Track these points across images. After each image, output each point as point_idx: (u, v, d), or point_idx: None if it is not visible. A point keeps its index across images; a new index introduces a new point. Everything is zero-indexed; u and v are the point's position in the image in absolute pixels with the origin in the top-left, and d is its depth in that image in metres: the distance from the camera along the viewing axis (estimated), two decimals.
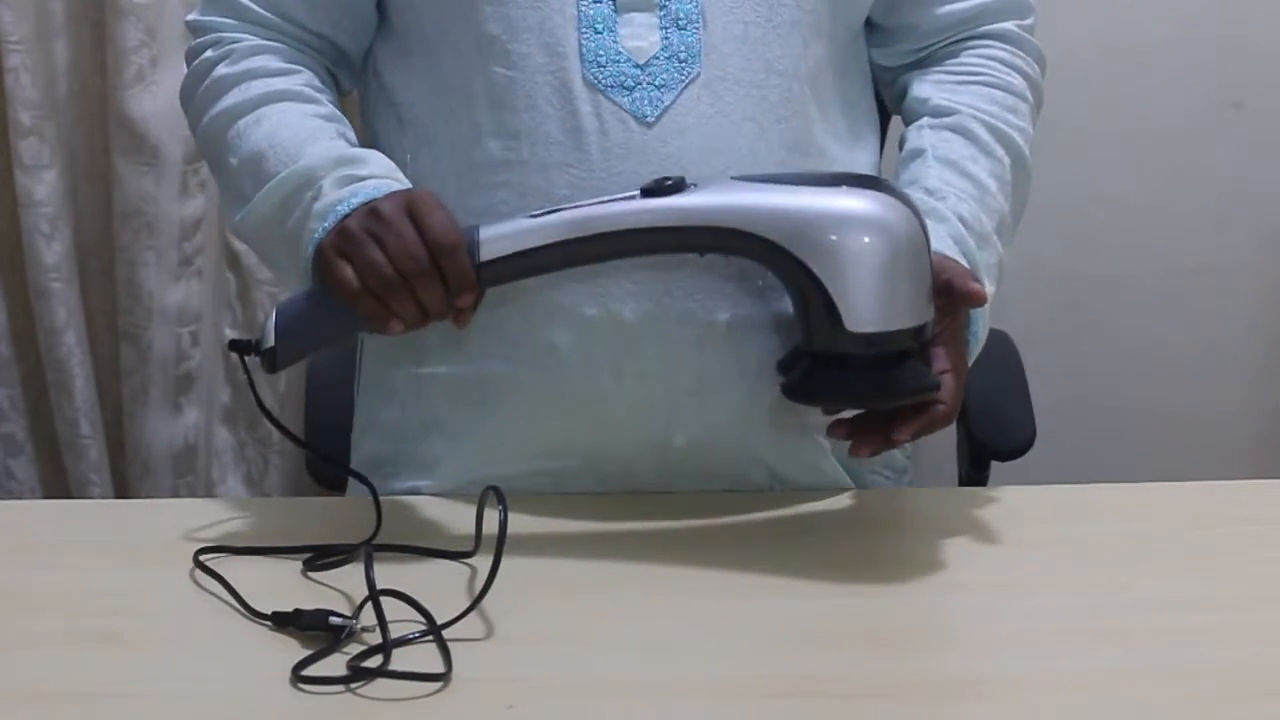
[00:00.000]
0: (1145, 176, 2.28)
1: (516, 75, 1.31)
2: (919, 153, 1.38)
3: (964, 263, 1.30)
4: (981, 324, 1.32)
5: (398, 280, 1.20)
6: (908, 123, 1.43)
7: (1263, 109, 2.27)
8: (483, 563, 1.16)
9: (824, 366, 1.22)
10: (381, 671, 1.05)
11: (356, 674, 1.05)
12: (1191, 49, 2.25)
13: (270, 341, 1.23)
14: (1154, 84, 2.26)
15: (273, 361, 1.24)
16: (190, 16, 1.43)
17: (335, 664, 1.07)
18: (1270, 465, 2.32)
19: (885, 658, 1.11)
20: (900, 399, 1.23)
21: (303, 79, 1.38)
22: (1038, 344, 1.97)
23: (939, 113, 1.40)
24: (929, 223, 1.27)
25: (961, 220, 1.32)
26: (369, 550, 1.19)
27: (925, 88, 1.42)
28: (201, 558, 1.22)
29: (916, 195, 1.32)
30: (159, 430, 2.21)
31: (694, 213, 1.22)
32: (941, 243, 1.29)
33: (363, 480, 1.31)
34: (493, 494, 1.18)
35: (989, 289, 1.31)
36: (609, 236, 1.22)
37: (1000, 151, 1.38)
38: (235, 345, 1.26)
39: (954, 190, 1.34)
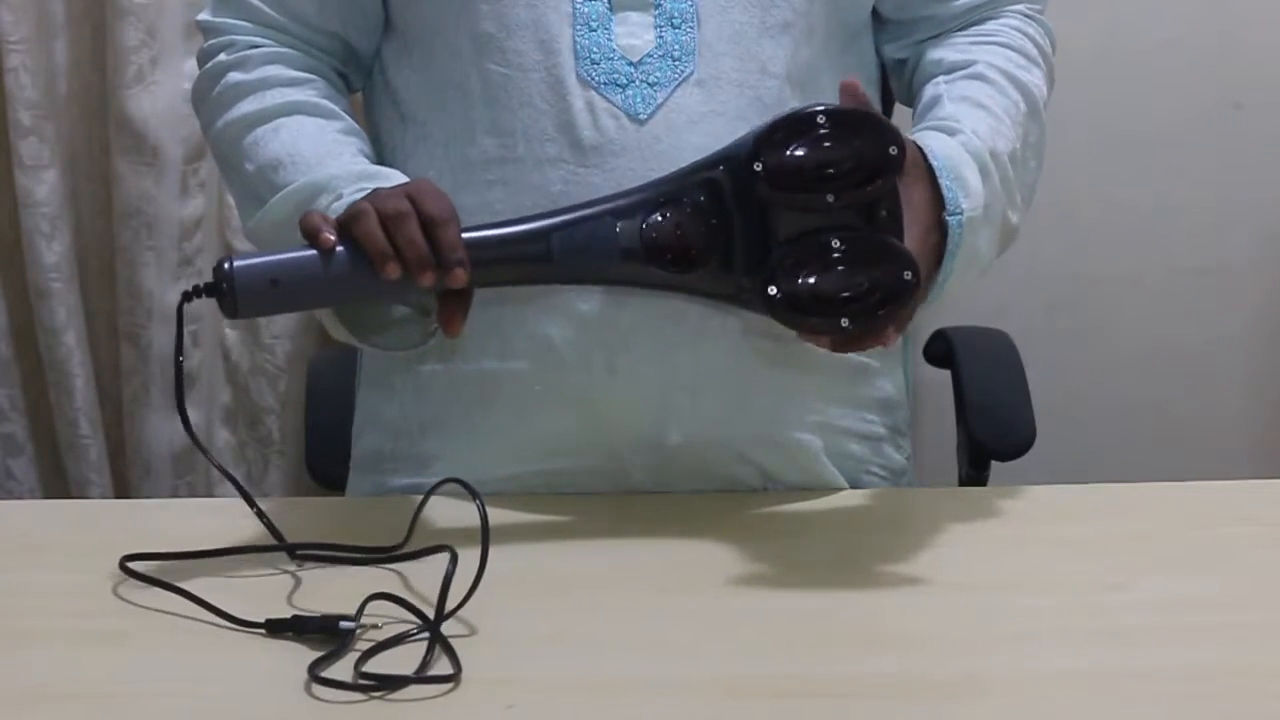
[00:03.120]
0: (1145, 176, 2.28)
1: (511, 72, 1.32)
2: (935, 99, 1.37)
3: (963, 153, 1.28)
4: (960, 215, 1.26)
5: (373, 212, 1.18)
6: (922, 86, 1.42)
7: (1263, 109, 2.27)
8: (474, 562, 1.15)
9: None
10: (405, 679, 1.04)
11: (381, 681, 1.04)
12: (1191, 49, 2.25)
13: (230, 283, 1.16)
14: (1154, 84, 2.26)
15: (234, 305, 1.17)
16: (201, 16, 1.43)
17: (341, 666, 1.07)
18: (1270, 465, 2.32)
19: (885, 658, 1.11)
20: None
21: (316, 90, 1.38)
22: (1038, 344, 1.97)
23: (955, 68, 1.40)
24: (941, 135, 1.27)
25: (975, 133, 1.31)
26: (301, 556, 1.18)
27: (940, 51, 1.42)
28: (130, 564, 1.20)
29: (931, 125, 1.32)
30: (159, 430, 2.22)
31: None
32: (954, 150, 1.27)
33: (242, 489, 1.25)
34: (486, 494, 1.18)
35: (990, 199, 1.28)
36: (582, 219, 1.22)
37: (1015, 94, 1.37)
38: (191, 293, 1.18)
39: (968, 116, 1.33)
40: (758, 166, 1.17)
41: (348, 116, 1.39)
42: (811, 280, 1.18)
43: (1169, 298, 2.32)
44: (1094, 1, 2.22)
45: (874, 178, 1.18)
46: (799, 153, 1.17)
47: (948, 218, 1.25)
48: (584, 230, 1.22)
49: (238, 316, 1.19)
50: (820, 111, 1.18)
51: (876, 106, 1.47)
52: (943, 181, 1.25)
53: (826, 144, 1.17)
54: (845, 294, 1.18)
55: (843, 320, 1.18)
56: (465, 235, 1.20)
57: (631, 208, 1.22)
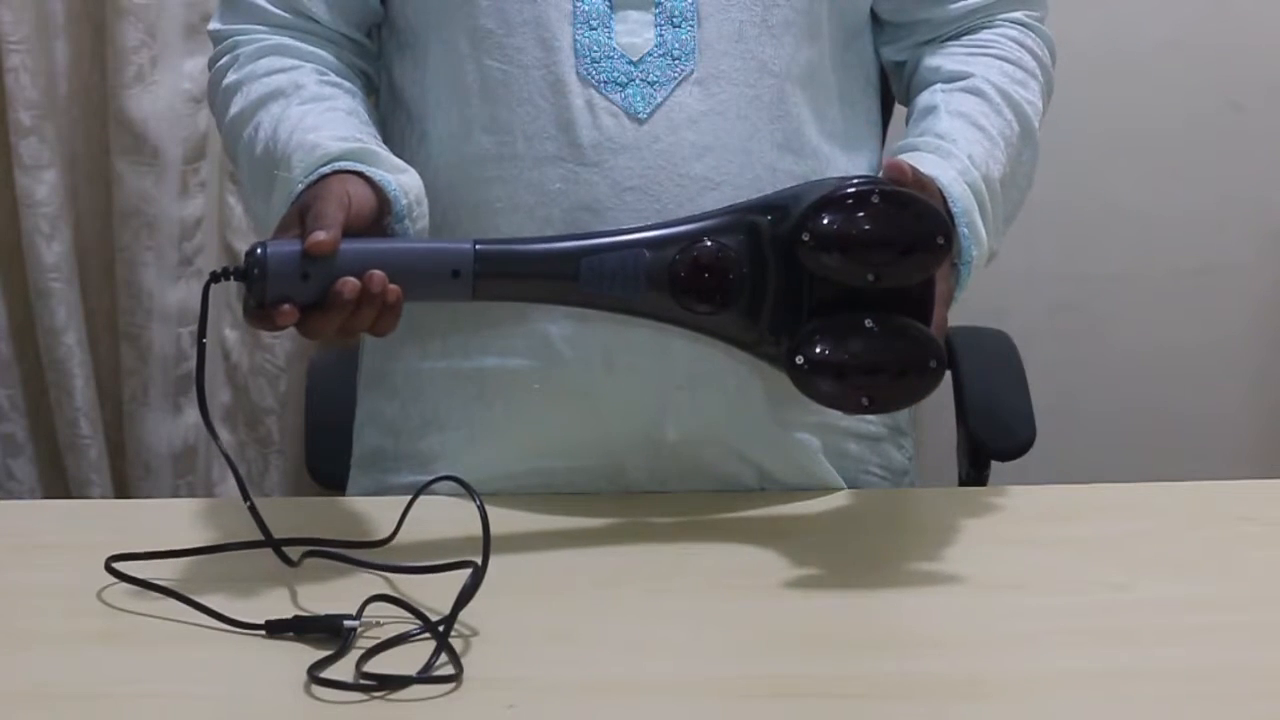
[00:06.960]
0: (1145, 177, 2.28)
1: (511, 69, 1.32)
2: (931, 109, 1.37)
3: (972, 198, 1.29)
4: (970, 263, 1.29)
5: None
6: (919, 92, 1.42)
7: (1263, 109, 2.27)
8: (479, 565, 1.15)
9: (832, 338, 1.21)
10: (406, 679, 1.04)
11: (382, 681, 1.04)
12: (1191, 50, 2.25)
13: (262, 268, 1.14)
14: (1154, 85, 2.26)
15: (263, 291, 1.15)
16: (210, 25, 1.43)
17: (341, 666, 1.07)
18: (1270, 465, 2.32)
19: (884, 658, 1.11)
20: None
21: (304, 72, 1.37)
22: (1038, 344, 1.97)
23: (952, 78, 1.40)
24: (936, 159, 1.27)
25: (970, 159, 1.31)
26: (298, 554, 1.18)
27: (937, 59, 1.42)
28: (120, 566, 1.19)
29: (926, 139, 1.32)
30: (159, 430, 2.21)
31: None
32: (948, 178, 1.28)
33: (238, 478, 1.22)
34: (485, 494, 1.18)
35: (990, 230, 1.30)
36: (613, 245, 1.22)
37: (1010, 115, 1.37)
38: (220, 274, 1.17)
39: (964, 136, 1.34)
40: (805, 236, 1.18)
41: (328, 85, 1.36)
42: (840, 357, 1.19)
43: (1169, 298, 2.32)
44: (1094, 2, 2.22)
45: (918, 264, 1.19)
46: (849, 229, 1.18)
47: (960, 265, 1.27)
48: (613, 256, 1.21)
49: (265, 304, 1.15)
50: (876, 191, 1.18)
51: (876, 114, 1.47)
52: (960, 229, 1.26)
53: (878, 224, 1.18)
54: (871, 374, 1.20)
55: (863, 399, 1.20)
56: (496, 247, 1.20)
57: (664, 240, 1.21)
